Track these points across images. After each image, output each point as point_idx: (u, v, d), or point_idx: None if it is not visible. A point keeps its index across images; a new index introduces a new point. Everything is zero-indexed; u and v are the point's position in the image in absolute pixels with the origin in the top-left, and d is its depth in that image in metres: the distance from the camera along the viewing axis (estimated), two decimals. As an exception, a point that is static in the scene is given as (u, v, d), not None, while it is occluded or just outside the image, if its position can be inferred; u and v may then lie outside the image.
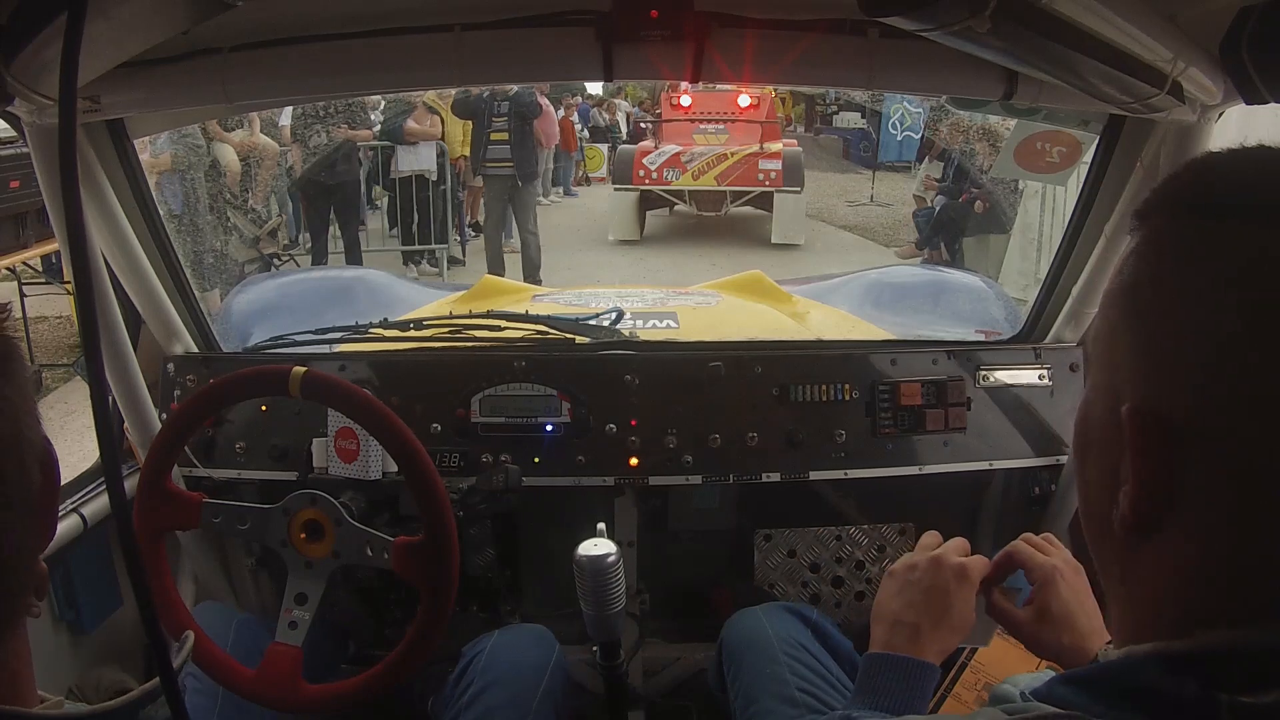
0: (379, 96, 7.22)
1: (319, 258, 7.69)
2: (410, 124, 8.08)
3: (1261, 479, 0.50)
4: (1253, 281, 0.51)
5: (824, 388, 1.77)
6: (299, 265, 7.62)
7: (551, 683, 1.49)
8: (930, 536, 1.16)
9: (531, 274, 8.25)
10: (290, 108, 6.51)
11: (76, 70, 0.58)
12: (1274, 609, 0.50)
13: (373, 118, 8.30)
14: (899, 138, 11.68)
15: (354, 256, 7.87)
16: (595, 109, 15.02)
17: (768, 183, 10.04)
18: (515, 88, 7.60)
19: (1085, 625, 1.04)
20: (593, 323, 2.10)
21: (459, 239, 9.08)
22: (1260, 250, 0.51)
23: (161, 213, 1.72)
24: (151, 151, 5.76)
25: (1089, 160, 1.76)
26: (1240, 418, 0.51)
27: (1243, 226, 0.52)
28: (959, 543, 1.12)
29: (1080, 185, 1.76)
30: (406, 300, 2.81)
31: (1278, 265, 0.51)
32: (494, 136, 8.01)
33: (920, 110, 10.04)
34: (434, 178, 8.14)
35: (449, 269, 8.49)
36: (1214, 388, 0.51)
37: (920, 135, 10.17)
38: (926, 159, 8.74)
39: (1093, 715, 0.52)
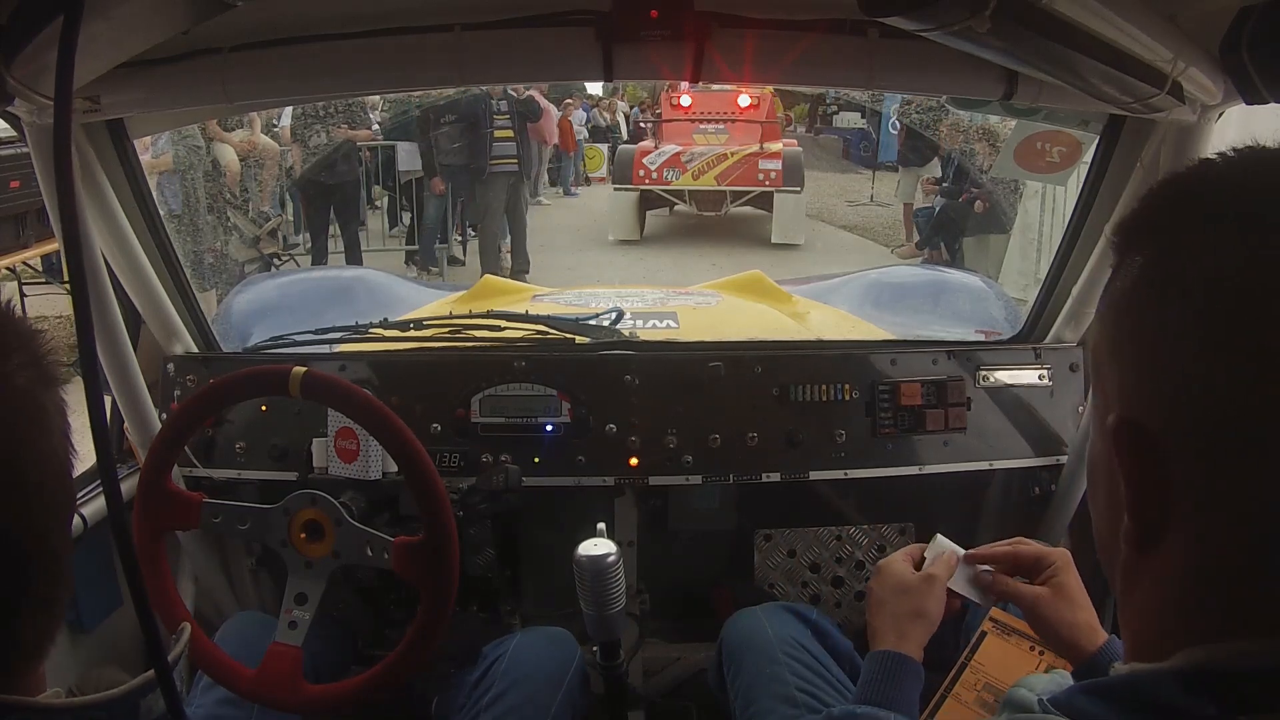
0: (379, 96, 7.21)
1: (319, 258, 7.68)
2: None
3: (1247, 489, 0.51)
4: (1214, 294, 0.52)
5: (824, 388, 1.77)
6: (299, 265, 7.61)
7: (571, 686, 1.49)
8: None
9: (521, 267, 8.28)
10: (290, 108, 6.50)
11: (72, 71, 0.58)
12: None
13: (373, 118, 8.28)
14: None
15: (354, 256, 7.87)
16: (595, 109, 15.02)
17: (768, 183, 10.03)
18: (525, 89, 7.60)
19: (1090, 608, 1.12)
20: (593, 323, 2.10)
21: (459, 239, 9.08)
22: (1219, 262, 0.52)
23: (161, 213, 1.72)
24: (152, 152, 5.76)
25: (1089, 160, 1.76)
26: (1210, 427, 0.51)
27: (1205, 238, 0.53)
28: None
29: (1080, 185, 1.76)
30: (406, 300, 2.81)
31: (1236, 277, 0.51)
32: (498, 134, 8.01)
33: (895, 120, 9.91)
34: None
35: (449, 269, 8.50)
36: (1184, 399, 0.52)
37: (898, 134, 10.04)
38: (937, 163, 8.57)
39: None
